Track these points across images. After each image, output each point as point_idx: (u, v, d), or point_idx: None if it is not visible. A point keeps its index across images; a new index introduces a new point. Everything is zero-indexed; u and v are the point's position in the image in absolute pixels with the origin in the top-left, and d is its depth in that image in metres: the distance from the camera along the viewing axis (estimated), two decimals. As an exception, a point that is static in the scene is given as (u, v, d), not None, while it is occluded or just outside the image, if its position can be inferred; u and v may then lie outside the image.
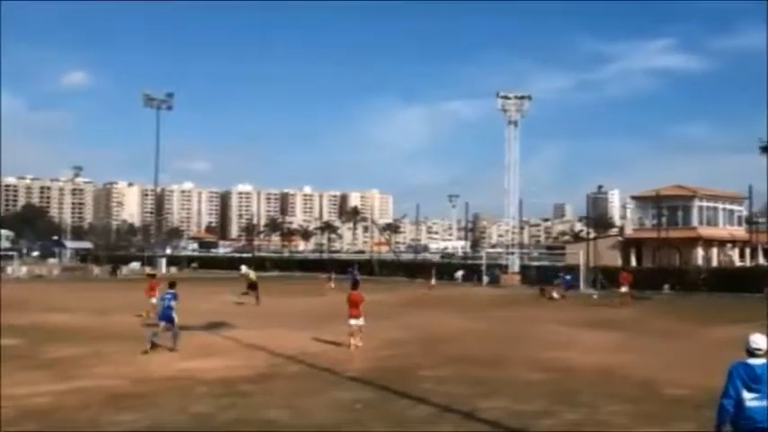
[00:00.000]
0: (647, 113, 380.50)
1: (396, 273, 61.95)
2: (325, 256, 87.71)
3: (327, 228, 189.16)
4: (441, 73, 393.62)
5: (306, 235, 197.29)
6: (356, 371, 15.31)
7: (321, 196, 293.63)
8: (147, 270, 54.43)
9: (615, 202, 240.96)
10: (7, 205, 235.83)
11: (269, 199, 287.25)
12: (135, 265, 77.12)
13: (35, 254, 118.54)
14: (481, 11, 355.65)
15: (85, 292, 42.57)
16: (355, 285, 21.72)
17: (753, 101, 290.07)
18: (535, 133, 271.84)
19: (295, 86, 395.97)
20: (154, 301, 24.94)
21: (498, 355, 17.96)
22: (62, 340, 19.85)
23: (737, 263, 61.27)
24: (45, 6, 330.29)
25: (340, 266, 58.89)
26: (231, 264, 79.17)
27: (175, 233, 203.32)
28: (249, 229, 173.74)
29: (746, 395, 5.82)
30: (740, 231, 64.45)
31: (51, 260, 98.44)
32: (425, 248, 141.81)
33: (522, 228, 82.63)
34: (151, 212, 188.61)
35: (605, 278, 46.68)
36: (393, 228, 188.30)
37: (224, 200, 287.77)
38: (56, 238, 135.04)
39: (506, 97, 60.54)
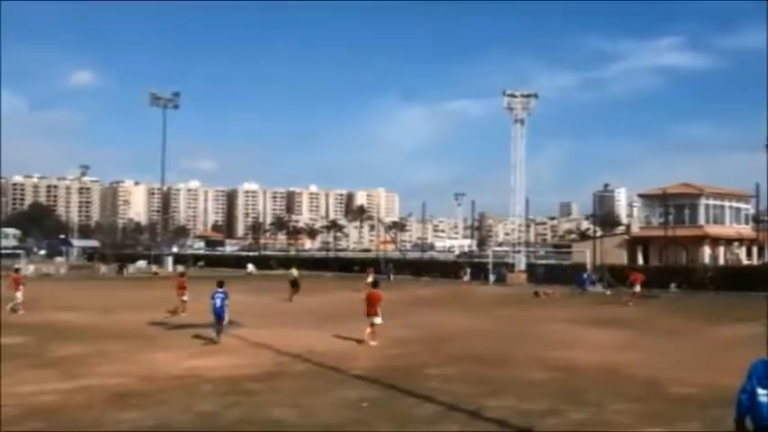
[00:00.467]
0: (653, 112, 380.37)
1: (402, 271, 61.93)
2: (332, 254, 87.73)
3: (333, 226, 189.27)
4: (446, 72, 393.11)
5: (312, 233, 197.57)
6: (362, 369, 15.29)
7: (327, 195, 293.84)
8: (179, 268, 56.40)
9: (622, 201, 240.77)
10: (14, 204, 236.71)
11: (275, 197, 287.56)
12: (141, 263, 77.34)
13: (42, 252, 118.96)
14: (486, 10, 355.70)
15: (92, 290, 42.70)
16: (375, 284, 21.83)
17: (759, 99, 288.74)
18: (541, 132, 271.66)
19: (302, 86, 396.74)
20: (185, 298, 27.22)
21: (504, 353, 17.93)
22: (68, 339, 19.89)
23: (744, 261, 61.11)
24: (51, 6, 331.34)
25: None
26: (238, 262, 79.46)
27: (182, 232, 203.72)
28: (255, 228, 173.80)
29: (760, 391, 5.86)
30: (747, 229, 64.29)
31: (58, 259, 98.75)
32: (431, 247, 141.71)
33: (528, 226, 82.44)
34: (158, 211, 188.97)
35: (612, 276, 46.61)
36: (399, 226, 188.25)
37: (230, 198, 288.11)
38: (63, 236, 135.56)
39: (513, 95, 60.34)
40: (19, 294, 28.06)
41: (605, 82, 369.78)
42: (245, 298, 33.78)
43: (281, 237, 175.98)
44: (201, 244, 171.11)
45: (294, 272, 39.07)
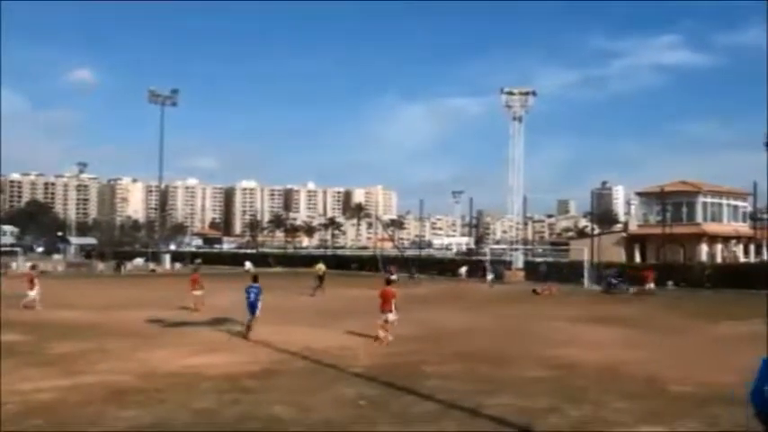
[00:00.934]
0: (651, 110, 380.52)
1: (400, 269, 61.83)
2: (329, 252, 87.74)
3: (331, 224, 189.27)
4: (445, 70, 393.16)
5: (310, 231, 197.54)
6: (361, 367, 15.28)
7: (325, 192, 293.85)
8: (207, 263, 56.56)
9: (619, 199, 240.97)
10: (12, 201, 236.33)
11: (273, 195, 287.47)
12: (139, 261, 77.28)
13: (40, 250, 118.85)
14: (485, 7, 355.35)
15: (90, 288, 42.66)
16: (389, 281, 21.91)
17: (757, 97, 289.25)
18: (539, 130, 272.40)
19: (300, 84, 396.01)
20: (198, 293, 28.28)
21: (503, 351, 17.94)
22: (67, 336, 19.88)
23: (742, 259, 61.20)
24: (47, 6, 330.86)
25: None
26: (235, 260, 79.39)
27: (179, 229, 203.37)
28: (253, 225, 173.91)
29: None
30: (744, 227, 64.39)
31: (56, 256, 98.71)
32: (429, 244, 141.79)
33: (525, 224, 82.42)
34: (155, 208, 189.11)
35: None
36: (397, 224, 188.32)
37: (228, 196, 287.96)
38: (60, 234, 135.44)
39: (511, 93, 60.42)
40: (32, 292, 28.20)
41: (604, 80, 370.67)
42: (242, 295, 33.78)
43: (279, 234, 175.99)
44: (199, 241, 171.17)
45: (322, 267, 39.79)
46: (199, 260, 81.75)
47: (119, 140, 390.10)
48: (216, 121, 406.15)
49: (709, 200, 63.10)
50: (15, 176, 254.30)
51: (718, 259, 58.46)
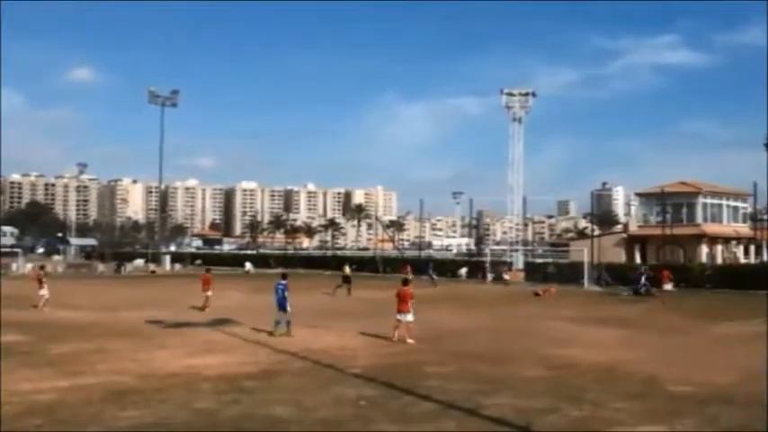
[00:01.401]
0: (652, 110, 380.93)
1: (399, 270, 61.80)
2: (329, 253, 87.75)
3: (331, 225, 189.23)
4: (445, 69, 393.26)
5: (310, 232, 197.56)
6: (360, 367, 15.28)
7: (325, 193, 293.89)
8: (206, 264, 56.49)
9: (619, 199, 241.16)
10: (12, 202, 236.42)
11: (273, 196, 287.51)
12: (139, 261, 77.25)
13: (40, 251, 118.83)
14: (486, 7, 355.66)
15: (90, 288, 42.63)
16: (406, 282, 21.93)
17: (757, 97, 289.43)
18: (539, 130, 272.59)
19: (300, 84, 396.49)
20: (209, 293, 28.49)
21: (502, 351, 17.94)
22: (67, 337, 19.88)
23: (742, 260, 61.19)
24: (47, 6, 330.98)
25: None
26: (235, 261, 79.38)
27: (179, 230, 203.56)
28: (253, 226, 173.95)
29: None
30: (744, 228, 64.37)
31: (56, 257, 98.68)
32: (429, 245, 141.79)
33: (525, 225, 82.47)
34: (155, 209, 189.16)
35: (609, 275, 46.68)
36: (397, 225, 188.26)
37: (228, 197, 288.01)
38: (60, 234, 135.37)
39: (511, 94, 60.47)
40: (43, 291, 28.41)
41: (604, 79, 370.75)
42: (242, 296, 33.84)
43: (279, 235, 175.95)
44: (199, 242, 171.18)
45: (347, 269, 40.58)
46: (198, 261, 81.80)
47: (119, 141, 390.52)
48: (216, 121, 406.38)
49: (709, 201, 63.10)
50: (16, 177, 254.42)
51: (719, 260, 58.42)
